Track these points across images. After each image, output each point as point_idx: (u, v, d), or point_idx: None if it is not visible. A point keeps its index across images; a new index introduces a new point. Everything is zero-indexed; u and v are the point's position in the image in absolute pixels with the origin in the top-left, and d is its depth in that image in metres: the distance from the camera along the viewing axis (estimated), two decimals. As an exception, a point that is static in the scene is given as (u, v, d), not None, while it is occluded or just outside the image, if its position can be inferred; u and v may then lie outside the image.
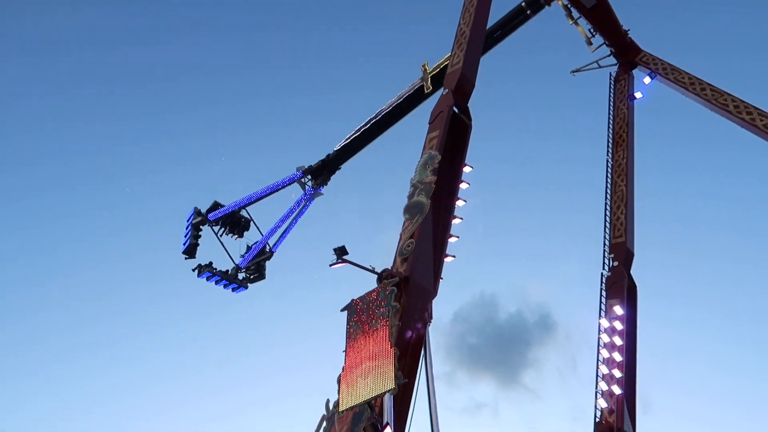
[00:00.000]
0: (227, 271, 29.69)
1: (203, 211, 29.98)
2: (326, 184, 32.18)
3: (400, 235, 19.06)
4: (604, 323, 18.99)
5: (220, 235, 30.47)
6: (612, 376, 17.73)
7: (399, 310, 15.75)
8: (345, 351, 15.09)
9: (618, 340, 18.37)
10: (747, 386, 64.27)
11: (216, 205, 30.36)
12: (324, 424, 15.67)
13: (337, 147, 31.80)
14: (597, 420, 17.20)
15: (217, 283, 29.67)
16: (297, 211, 31.75)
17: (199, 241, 29.59)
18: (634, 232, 21.91)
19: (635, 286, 20.58)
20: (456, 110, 21.79)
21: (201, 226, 29.48)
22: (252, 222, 31.51)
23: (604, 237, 21.85)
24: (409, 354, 16.36)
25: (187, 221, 29.98)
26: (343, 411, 14.14)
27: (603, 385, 17.71)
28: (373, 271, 17.81)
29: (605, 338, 18.59)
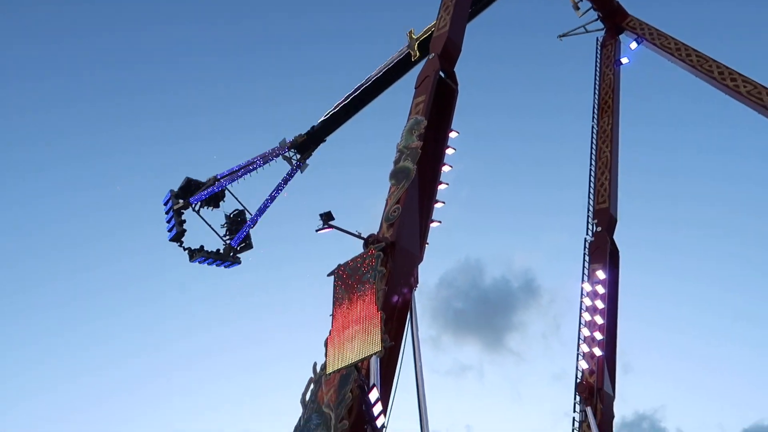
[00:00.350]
0: (218, 250, 28.75)
1: (176, 189, 28.49)
2: (310, 157, 31.31)
3: (386, 200, 19.07)
4: (587, 287, 19.32)
5: (200, 212, 29.21)
6: (593, 339, 18.13)
7: (385, 274, 15.88)
8: (332, 315, 15.23)
9: (600, 304, 18.74)
10: (723, 348, 66.26)
11: (189, 182, 28.66)
12: (312, 386, 15.91)
13: (322, 118, 30.95)
14: (578, 381, 17.65)
15: (209, 264, 28.91)
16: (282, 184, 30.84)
17: (185, 227, 28.07)
18: (617, 198, 22.14)
19: (617, 251, 20.89)
20: (442, 75, 21.61)
21: (183, 210, 28.01)
22: (236, 200, 30.18)
23: (588, 203, 22.06)
24: (395, 318, 16.55)
25: (165, 205, 28.31)
26: (330, 373, 14.35)
27: (584, 347, 18.12)
28: (359, 236, 17.86)
29: (587, 302, 18.95)
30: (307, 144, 30.81)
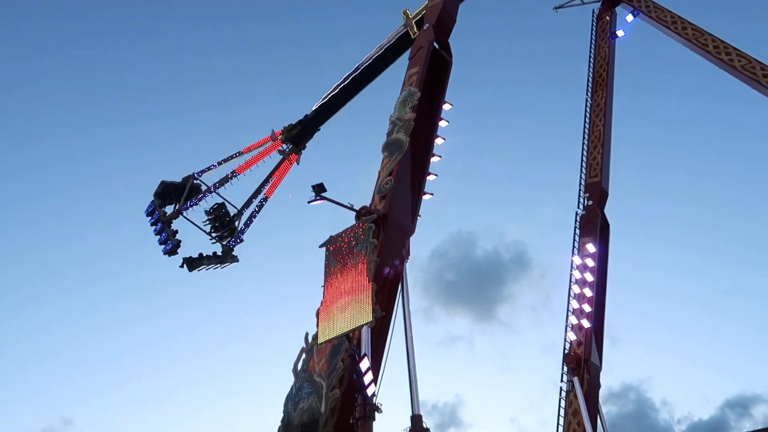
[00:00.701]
0: (215, 253, 26.55)
1: (153, 195, 25.68)
2: (305, 149, 28.89)
3: (379, 172, 19.04)
4: (577, 260, 19.48)
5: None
6: (582, 311, 18.36)
7: (377, 246, 15.95)
8: (323, 286, 15.34)
9: (589, 277, 18.92)
10: (708, 321, 67.34)
11: (165, 187, 25.85)
12: (303, 356, 16.10)
13: (316, 105, 28.63)
14: (566, 352, 17.92)
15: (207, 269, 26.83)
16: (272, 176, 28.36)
17: (180, 237, 25.51)
18: (609, 172, 22.20)
19: (608, 225, 21.02)
20: (437, 46, 21.39)
21: (173, 220, 25.64)
22: (219, 196, 27.27)
23: (580, 177, 22.11)
24: (386, 289, 16.68)
25: (151, 216, 25.52)
26: (322, 343, 14.52)
27: (573, 319, 18.36)
28: (351, 208, 17.88)
29: (577, 275, 19.13)
30: (301, 135, 28.53)
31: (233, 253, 26.89)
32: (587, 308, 18.37)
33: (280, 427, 15.00)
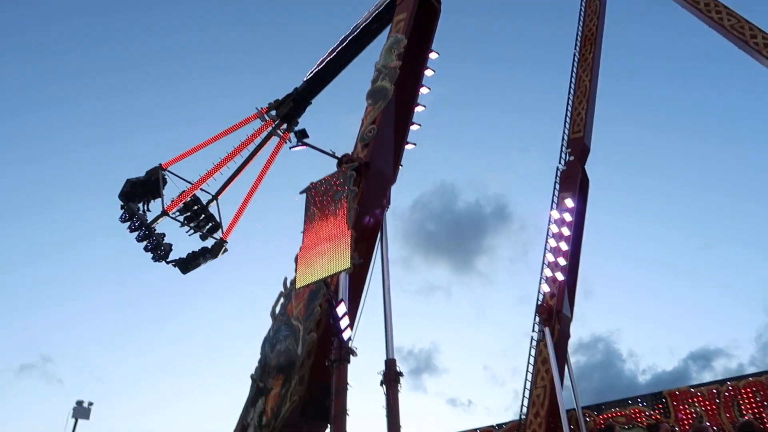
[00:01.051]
0: (203, 248, 24.26)
1: (119, 197, 22.88)
2: (297, 125, 25.46)
3: (362, 120, 18.87)
4: (555, 215, 19.70)
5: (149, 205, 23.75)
6: (557, 264, 18.72)
7: (358, 194, 15.98)
8: (303, 232, 15.41)
9: (566, 231, 19.19)
10: (677, 279, 69.29)
11: (132, 185, 22.97)
12: (282, 300, 16.34)
13: (307, 77, 25.74)
14: (539, 303, 18.36)
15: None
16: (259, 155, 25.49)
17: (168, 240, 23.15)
18: (592, 128, 22.21)
19: (587, 181, 21.20)
20: (425, -9, 20.87)
21: (157, 222, 23.21)
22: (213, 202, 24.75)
23: (564, 132, 22.11)
24: (366, 237, 16.83)
25: (128, 221, 22.85)
26: (300, 288, 14.70)
27: (548, 272, 18.73)
28: (333, 155, 17.79)
29: (554, 229, 19.38)
30: (293, 111, 25.52)
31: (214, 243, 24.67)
32: (562, 262, 18.73)
33: (257, 368, 15.36)
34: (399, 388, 13.21)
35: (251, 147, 25.69)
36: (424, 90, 20.09)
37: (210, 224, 24.44)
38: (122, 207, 22.73)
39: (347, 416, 12.13)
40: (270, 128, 25.47)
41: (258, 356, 15.55)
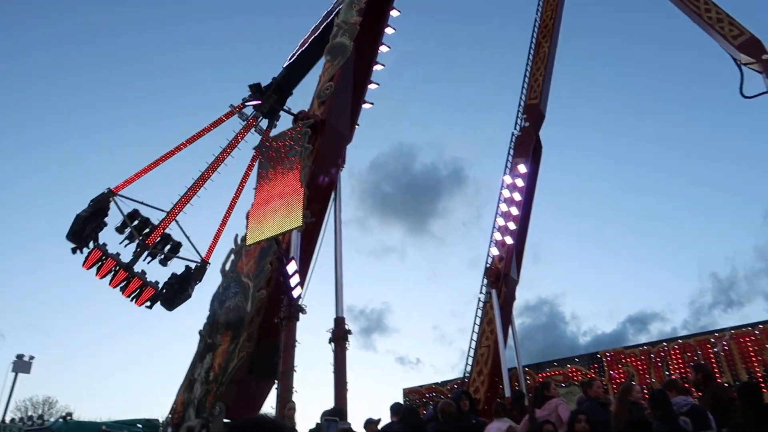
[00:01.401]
0: (187, 275, 20.11)
1: (69, 237, 18.87)
2: (279, 119, 21.60)
3: (320, 77, 18.49)
4: (507, 179, 20.00)
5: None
6: (507, 228, 19.12)
7: (312, 152, 15.78)
8: (255, 188, 15.19)
9: (517, 196, 19.55)
10: (619, 246, 72.02)
11: (84, 222, 18.91)
12: (232, 257, 16.20)
13: (288, 62, 22.30)
14: (488, 266, 18.79)
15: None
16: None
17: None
18: (548, 95, 22.43)
19: (541, 147, 21.52)
20: (388, -54, 20.28)
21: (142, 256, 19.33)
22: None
23: (520, 98, 22.25)
24: (319, 196, 16.72)
25: (96, 264, 18.61)
26: (250, 245, 14.58)
27: (498, 236, 19.12)
28: (289, 112, 17.47)
29: (506, 193, 19.70)
30: (275, 106, 21.20)
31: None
32: (512, 226, 19.14)
33: (205, 325, 15.30)
34: (347, 345, 13.42)
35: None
36: (384, 48, 19.77)
37: (169, 245, 20.16)
38: (74, 250, 18.85)
39: (294, 373, 12.27)
40: (252, 127, 21.01)
41: (207, 312, 15.49)
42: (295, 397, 12.19)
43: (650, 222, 69.40)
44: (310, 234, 15.50)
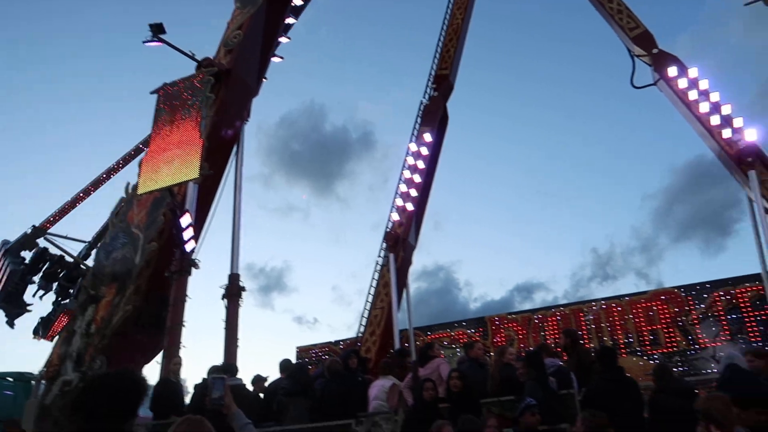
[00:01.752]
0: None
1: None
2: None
3: (228, 24, 17.67)
4: (413, 147, 20.26)
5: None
6: (408, 195, 19.47)
7: (215, 102, 15.16)
8: (150, 135, 14.41)
9: (421, 164, 19.88)
10: (518, 216, 76.01)
11: (19, 282, 16.07)
12: (122, 206, 15.36)
13: None
14: (387, 230, 19.12)
15: None
16: None
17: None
18: (459, 67, 22.81)
19: (447, 118, 21.94)
20: None
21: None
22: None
23: (431, 67, 22.46)
24: (221, 149, 16.16)
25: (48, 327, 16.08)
26: (142, 195, 13.89)
27: (399, 201, 19.43)
28: (192, 57, 16.54)
29: (410, 160, 19.98)
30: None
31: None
32: (414, 193, 19.50)
33: (88, 276, 14.51)
34: (240, 303, 13.27)
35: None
36: (298, 1, 19.19)
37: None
38: (11, 322, 15.92)
39: (183, 328, 12.00)
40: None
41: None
42: (183, 353, 11.96)
43: (542, 198, 73.68)
44: (208, 187, 14.99)
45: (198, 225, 14.44)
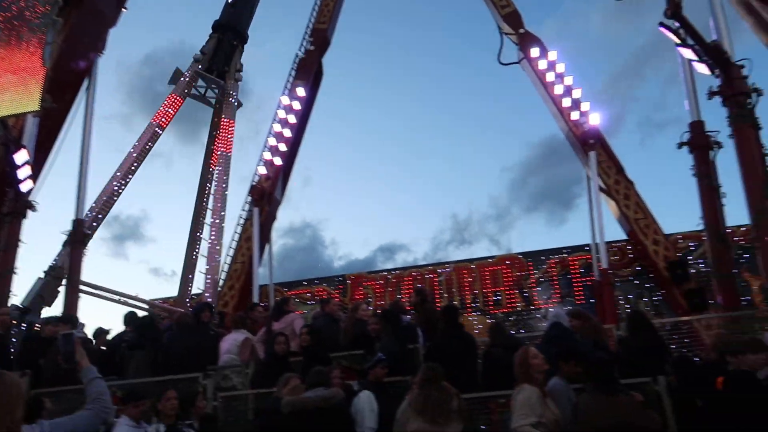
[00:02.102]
0: None
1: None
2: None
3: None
4: (285, 100, 19.77)
5: None
6: (277, 149, 19.06)
7: (63, 28, 13.62)
8: (-19, 57, 12.61)
9: (292, 119, 19.50)
10: (386, 178, 77.86)
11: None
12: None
13: None
14: (253, 183, 18.66)
15: None
16: None
17: None
18: (336, 23, 22.45)
19: (322, 74, 21.63)
20: None
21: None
22: None
23: (309, 20, 21.90)
24: (70, 81, 14.68)
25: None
26: (-31, 125, 12.20)
27: (268, 155, 18.98)
28: (37, -27, 14.64)
29: (281, 114, 19.51)
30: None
31: None
32: (283, 147, 19.14)
33: None
34: (85, 251, 12.32)
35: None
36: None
37: None
38: None
39: (15, 274, 10.93)
40: None
41: None
42: (14, 302, 10.92)
43: (409, 165, 76.15)
44: (52, 122, 13.59)
45: (38, 164, 13.08)
